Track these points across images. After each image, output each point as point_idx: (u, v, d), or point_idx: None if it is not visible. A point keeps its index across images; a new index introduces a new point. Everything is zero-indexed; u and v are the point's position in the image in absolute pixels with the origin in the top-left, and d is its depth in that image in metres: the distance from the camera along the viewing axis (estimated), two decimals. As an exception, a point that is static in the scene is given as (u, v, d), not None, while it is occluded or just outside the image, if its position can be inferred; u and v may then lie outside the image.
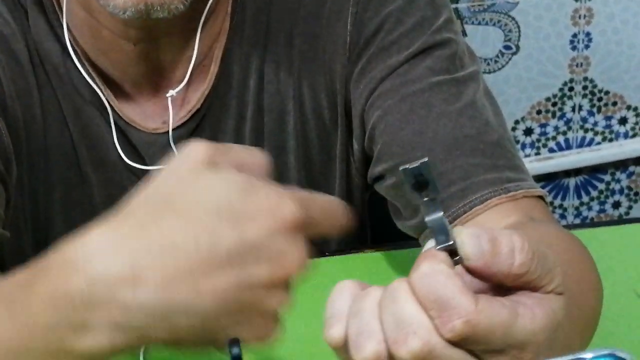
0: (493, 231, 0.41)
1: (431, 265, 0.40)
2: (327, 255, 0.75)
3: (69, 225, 0.77)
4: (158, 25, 0.69)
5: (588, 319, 0.58)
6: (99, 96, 0.73)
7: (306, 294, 0.71)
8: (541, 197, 0.69)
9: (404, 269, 0.73)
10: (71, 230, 0.75)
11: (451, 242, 0.41)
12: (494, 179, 0.68)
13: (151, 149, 0.75)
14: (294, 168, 0.78)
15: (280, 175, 0.77)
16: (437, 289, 0.39)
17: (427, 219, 0.41)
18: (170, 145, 0.74)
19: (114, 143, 0.74)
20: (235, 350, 0.63)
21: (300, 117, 0.76)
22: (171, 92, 0.73)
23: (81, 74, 0.73)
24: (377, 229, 0.89)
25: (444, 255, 0.41)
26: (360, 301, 0.43)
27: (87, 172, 0.75)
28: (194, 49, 0.72)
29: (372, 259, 0.74)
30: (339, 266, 0.74)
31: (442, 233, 0.41)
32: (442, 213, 0.41)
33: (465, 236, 0.41)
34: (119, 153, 0.74)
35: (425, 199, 0.41)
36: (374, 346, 0.41)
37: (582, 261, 0.62)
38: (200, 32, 0.72)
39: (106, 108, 0.74)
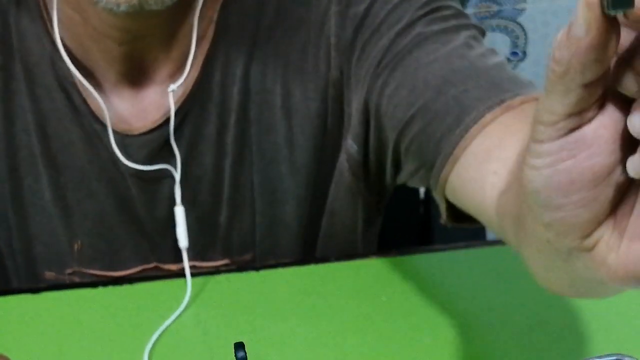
0: None
1: None
2: (332, 262, 0.75)
3: (22, 220, 0.77)
4: (145, 24, 0.69)
5: None
6: (78, 93, 0.73)
7: (311, 300, 0.71)
8: None
9: (409, 276, 0.73)
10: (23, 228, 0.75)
11: None
12: (489, 95, 0.62)
13: (127, 149, 0.74)
14: (287, 177, 0.77)
15: (274, 186, 0.78)
16: None
17: None
18: (147, 145, 0.74)
19: (90, 142, 0.74)
20: (240, 354, 0.64)
21: (290, 127, 0.76)
22: (172, 87, 0.73)
23: (65, 68, 0.72)
24: (383, 235, 0.90)
25: None
26: None
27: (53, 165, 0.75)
28: (177, 53, 0.72)
29: (378, 265, 0.74)
30: (344, 273, 0.74)
31: None
32: None
33: None
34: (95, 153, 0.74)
35: None
36: None
37: None
38: (186, 31, 0.72)
39: (85, 105, 0.73)
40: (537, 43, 1.69)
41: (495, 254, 0.75)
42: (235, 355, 0.64)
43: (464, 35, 0.69)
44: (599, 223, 0.38)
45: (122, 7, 0.64)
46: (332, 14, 0.73)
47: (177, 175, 0.74)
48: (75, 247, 0.77)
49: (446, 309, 0.69)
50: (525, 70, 1.70)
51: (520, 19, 1.66)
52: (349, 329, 0.68)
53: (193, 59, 0.73)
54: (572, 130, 0.36)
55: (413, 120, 0.66)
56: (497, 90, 0.62)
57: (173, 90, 0.72)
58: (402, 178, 0.74)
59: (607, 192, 0.37)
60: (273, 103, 0.75)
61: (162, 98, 0.74)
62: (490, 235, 1.07)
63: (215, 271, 0.74)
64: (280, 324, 0.68)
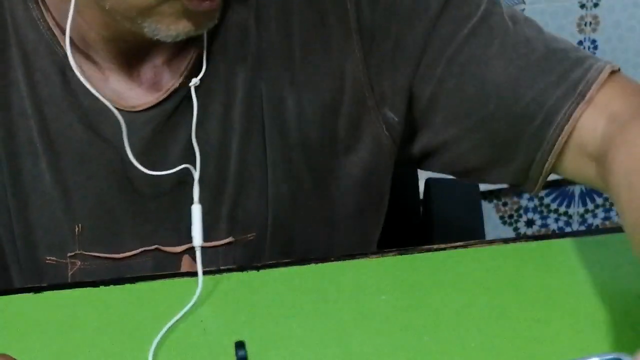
0: None
1: None
2: (332, 261, 0.75)
3: (22, 205, 0.77)
4: None
5: None
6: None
7: (311, 300, 0.71)
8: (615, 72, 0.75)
9: (409, 275, 0.73)
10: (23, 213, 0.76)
11: None
12: (566, 90, 0.73)
13: (129, 127, 0.74)
14: (297, 152, 0.78)
15: (283, 162, 0.78)
16: None
17: None
18: (149, 124, 0.75)
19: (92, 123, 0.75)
20: (241, 353, 0.64)
21: (299, 102, 0.77)
22: (194, 81, 0.73)
23: (62, 51, 0.73)
24: (383, 235, 0.90)
25: None
26: None
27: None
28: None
29: (378, 264, 0.75)
30: (344, 272, 0.74)
31: None
32: None
33: None
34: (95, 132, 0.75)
35: None
36: None
37: None
38: None
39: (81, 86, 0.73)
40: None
41: (494, 253, 0.75)
42: (236, 354, 0.64)
43: (498, 19, 0.76)
44: None
45: (179, 38, 0.68)
46: (347, 0, 0.75)
47: (196, 175, 0.74)
48: (76, 230, 0.77)
49: (446, 308, 0.69)
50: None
51: (519, 20, 1.66)
52: (349, 328, 0.68)
53: (198, 39, 0.74)
54: None
55: (492, 119, 0.75)
56: (568, 80, 0.73)
57: (195, 84, 0.73)
58: (435, 166, 0.82)
59: None
60: (282, 78, 0.76)
61: (162, 73, 0.74)
62: (488, 235, 1.07)
63: (217, 270, 0.75)
64: (280, 323, 0.68)
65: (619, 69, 0.76)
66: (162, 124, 0.75)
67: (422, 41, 0.75)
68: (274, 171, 0.78)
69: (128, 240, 0.78)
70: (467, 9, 0.76)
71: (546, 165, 0.75)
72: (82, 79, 0.72)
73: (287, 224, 0.80)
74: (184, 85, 0.75)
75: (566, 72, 0.74)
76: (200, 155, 0.76)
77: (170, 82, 0.75)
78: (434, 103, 0.77)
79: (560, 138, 0.73)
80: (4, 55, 0.74)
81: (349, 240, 0.84)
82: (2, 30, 0.74)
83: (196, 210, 0.74)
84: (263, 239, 0.80)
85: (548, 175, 0.77)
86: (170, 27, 0.67)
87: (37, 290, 0.73)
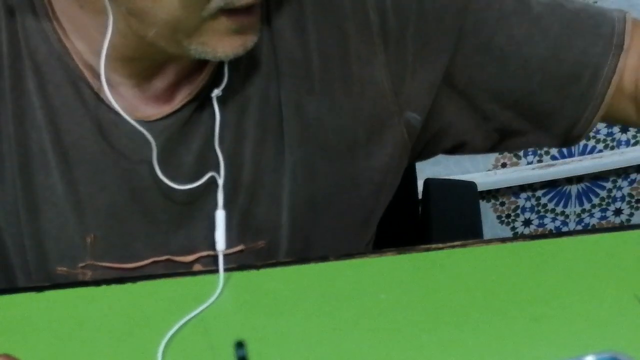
0: None
1: None
2: (331, 260, 0.75)
3: (33, 217, 0.77)
4: None
5: None
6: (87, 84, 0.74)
7: (310, 299, 0.72)
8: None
9: (408, 274, 0.73)
10: (35, 224, 0.76)
11: None
12: (603, 45, 0.79)
13: (143, 137, 0.74)
14: (317, 159, 0.78)
15: (302, 164, 0.78)
16: None
17: None
18: (163, 134, 0.75)
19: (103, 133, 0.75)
20: (241, 352, 0.64)
21: (318, 109, 0.77)
22: (216, 92, 0.74)
23: (74, 63, 0.73)
24: (381, 234, 0.90)
25: None
26: None
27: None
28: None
29: (376, 263, 0.75)
30: (343, 271, 0.74)
31: None
32: None
33: None
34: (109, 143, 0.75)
35: None
36: None
37: None
38: None
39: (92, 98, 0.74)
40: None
41: (492, 253, 0.75)
42: (236, 354, 0.64)
43: None
44: None
45: (229, 58, 0.69)
46: (369, 7, 0.76)
47: (220, 180, 0.74)
48: (88, 240, 0.78)
49: (444, 307, 0.69)
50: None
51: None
52: (348, 327, 0.68)
53: None
54: None
55: (539, 89, 0.79)
56: (602, 36, 0.79)
57: (217, 95, 0.74)
58: (475, 145, 0.85)
59: None
60: (301, 86, 0.76)
61: (176, 84, 0.75)
62: (486, 234, 1.08)
63: (216, 270, 0.75)
64: (280, 322, 0.69)
65: (632, 17, 0.82)
66: (177, 134, 0.75)
67: (454, 33, 0.78)
68: (293, 178, 0.78)
69: (139, 250, 0.78)
70: None
71: (594, 120, 0.81)
72: (109, 95, 0.71)
73: (304, 230, 0.80)
74: (198, 95, 0.75)
75: (596, 29, 0.79)
76: (212, 163, 0.76)
77: (185, 92, 0.75)
78: (473, 87, 0.80)
79: (609, 90, 0.79)
80: (16, 67, 0.74)
81: (360, 243, 0.85)
82: (14, 41, 0.74)
83: (220, 216, 0.74)
84: (275, 246, 0.80)
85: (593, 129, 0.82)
86: (217, 47, 0.67)
87: (39, 289, 0.73)
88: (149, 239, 0.78)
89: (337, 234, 0.82)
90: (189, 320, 0.69)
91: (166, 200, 0.77)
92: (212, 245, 0.77)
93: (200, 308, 0.70)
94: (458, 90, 0.81)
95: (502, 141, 0.85)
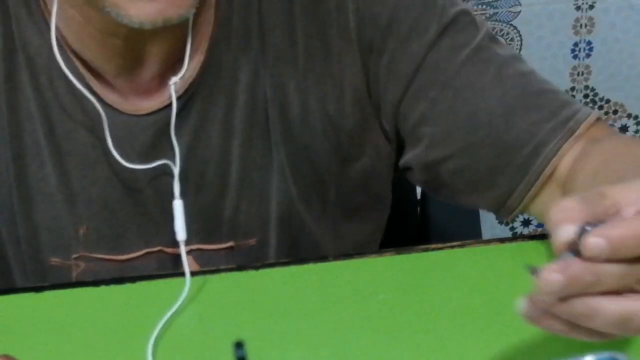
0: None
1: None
2: (330, 261, 0.75)
3: (27, 207, 0.77)
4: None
5: None
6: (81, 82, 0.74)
7: (310, 299, 0.72)
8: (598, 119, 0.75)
9: (407, 274, 0.74)
10: (28, 214, 0.76)
11: None
12: (556, 125, 0.74)
13: (132, 130, 0.75)
14: (301, 156, 0.78)
15: (288, 162, 0.78)
16: None
17: None
18: (151, 128, 0.75)
19: (93, 127, 0.75)
20: (240, 352, 0.64)
21: (304, 108, 0.77)
22: (174, 79, 0.73)
23: (67, 62, 0.73)
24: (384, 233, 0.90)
25: None
26: None
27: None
28: (177, 40, 0.73)
29: (375, 264, 0.75)
30: (342, 271, 0.74)
31: None
32: None
33: None
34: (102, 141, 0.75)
35: None
36: None
37: None
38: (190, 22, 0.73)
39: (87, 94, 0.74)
40: (532, 45, 1.69)
41: (491, 253, 0.75)
42: (235, 354, 0.64)
43: (493, 51, 0.76)
44: None
45: (146, 27, 0.66)
46: (349, 10, 0.75)
47: (176, 170, 0.74)
48: (81, 232, 0.78)
49: (443, 307, 0.69)
50: (519, 72, 1.70)
51: (515, 22, 1.66)
52: (347, 327, 0.68)
53: (199, 43, 0.74)
54: None
55: (480, 146, 0.75)
56: (558, 116, 0.74)
57: (175, 83, 0.73)
58: (417, 180, 0.82)
59: None
60: (287, 84, 0.76)
61: (166, 84, 0.74)
62: (485, 234, 1.08)
63: (216, 270, 0.75)
64: (279, 322, 0.69)
65: (603, 119, 0.78)
66: (163, 129, 0.75)
67: (416, 62, 0.76)
68: (280, 175, 0.78)
69: (132, 242, 0.79)
70: (465, 37, 0.76)
71: (527, 196, 0.75)
72: (70, 76, 0.72)
73: (291, 228, 0.80)
74: (188, 90, 0.75)
75: (557, 109, 0.75)
76: (201, 159, 0.76)
77: (176, 88, 0.75)
78: (422, 124, 0.77)
79: (546, 170, 0.73)
80: (10, 59, 0.75)
81: (352, 243, 0.85)
82: (8, 34, 0.74)
83: (177, 206, 0.74)
84: (266, 244, 0.80)
85: (526, 207, 0.76)
86: (130, 9, 0.65)
87: (38, 289, 0.73)
88: (140, 230, 0.78)
89: (324, 234, 0.82)
90: (182, 320, 0.69)
91: (156, 193, 0.77)
92: (203, 238, 0.78)
93: (174, 308, 0.70)
94: (408, 127, 0.79)
95: (437, 190, 0.82)
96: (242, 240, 0.80)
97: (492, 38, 0.78)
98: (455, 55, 0.75)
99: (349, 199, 0.82)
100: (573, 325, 0.49)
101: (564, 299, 0.47)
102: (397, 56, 0.76)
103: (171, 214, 0.77)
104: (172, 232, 0.77)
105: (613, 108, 1.80)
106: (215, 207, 0.78)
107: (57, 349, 0.67)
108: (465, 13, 0.77)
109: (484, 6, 1.63)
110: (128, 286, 0.73)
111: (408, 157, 0.80)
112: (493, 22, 1.65)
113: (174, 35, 0.73)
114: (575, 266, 0.46)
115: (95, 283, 0.74)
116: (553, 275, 0.46)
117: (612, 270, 0.46)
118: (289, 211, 0.80)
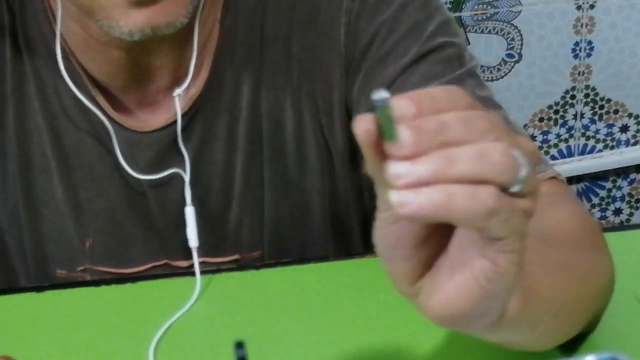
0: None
1: None
2: (330, 261, 0.75)
3: (33, 219, 0.77)
4: (153, 38, 0.70)
5: (568, 299, 0.55)
6: (87, 97, 0.74)
7: (310, 299, 0.72)
8: (555, 178, 0.70)
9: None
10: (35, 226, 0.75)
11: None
12: None
13: (137, 147, 0.75)
14: (293, 172, 0.78)
15: (279, 180, 0.78)
16: None
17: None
18: (157, 144, 0.75)
19: (103, 143, 0.75)
20: (240, 352, 0.64)
21: (298, 123, 0.77)
22: (178, 91, 0.73)
23: (72, 73, 0.73)
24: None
25: None
26: None
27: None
28: (182, 54, 0.73)
29: (376, 263, 0.74)
30: (342, 271, 0.74)
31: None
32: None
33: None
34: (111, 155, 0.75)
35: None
36: None
37: (581, 245, 0.60)
38: (194, 36, 0.72)
39: (91, 108, 0.74)
40: (533, 45, 1.69)
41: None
42: (236, 354, 0.64)
43: (469, 87, 0.72)
44: (419, 275, 0.45)
45: (136, 36, 0.65)
46: (341, 23, 0.74)
47: (187, 177, 0.74)
48: (87, 244, 0.78)
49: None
50: (520, 72, 1.70)
51: (516, 21, 1.66)
52: (347, 327, 0.68)
53: (203, 59, 0.74)
54: None
55: None
56: None
57: (179, 95, 0.73)
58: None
59: (425, 251, 0.45)
60: (283, 99, 0.76)
61: (172, 98, 0.74)
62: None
63: (216, 270, 0.75)
64: (280, 322, 0.69)
65: (560, 179, 0.72)
66: (168, 145, 0.75)
67: (388, 83, 0.73)
68: (272, 192, 0.78)
69: (137, 255, 0.79)
70: (443, 68, 0.73)
71: None
72: (76, 91, 0.72)
73: (287, 244, 0.80)
74: (192, 107, 0.75)
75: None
76: (206, 174, 0.76)
77: (180, 105, 0.75)
78: None
79: None
80: (19, 70, 0.74)
81: (348, 247, 0.84)
82: (15, 44, 0.74)
83: (190, 213, 0.74)
84: (270, 257, 0.80)
85: None
86: (120, 20, 0.64)
87: (39, 289, 0.73)
88: (146, 243, 0.79)
89: (318, 246, 0.82)
90: (184, 319, 0.69)
91: (162, 207, 0.77)
92: (208, 250, 0.78)
93: (184, 309, 0.70)
94: None
95: None
96: (246, 253, 0.80)
97: (473, 76, 0.74)
98: (426, 84, 0.71)
99: (339, 219, 0.82)
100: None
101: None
102: (370, 76, 0.74)
103: (177, 228, 0.76)
104: (178, 246, 0.77)
105: (614, 108, 1.80)
106: (219, 221, 0.78)
107: (56, 349, 0.67)
108: (454, 45, 0.74)
109: (485, 6, 1.63)
110: (129, 287, 0.73)
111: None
112: (494, 22, 1.65)
113: (178, 49, 0.73)
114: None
115: (96, 283, 0.74)
116: (404, 101, 0.41)
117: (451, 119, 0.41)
118: (282, 229, 0.79)
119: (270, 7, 0.75)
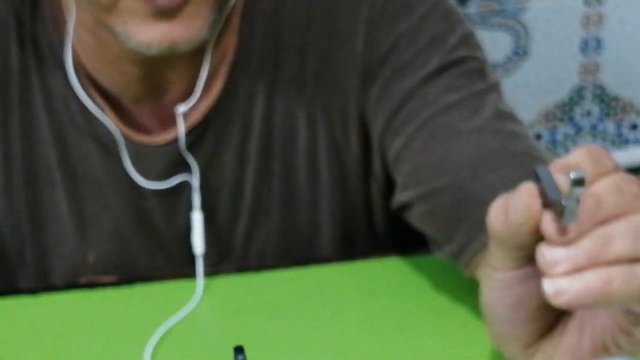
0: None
1: None
2: (332, 263, 0.75)
3: (37, 231, 0.77)
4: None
5: None
6: (97, 111, 0.73)
7: (311, 302, 0.71)
8: None
9: (410, 277, 0.73)
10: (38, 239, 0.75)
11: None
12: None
13: (146, 159, 0.74)
14: (304, 187, 0.77)
15: (289, 194, 0.77)
16: None
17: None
18: (165, 157, 0.74)
19: (111, 156, 0.74)
20: (240, 357, 0.63)
21: (311, 136, 0.76)
22: (182, 109, 0.72)
23: (80, 85, 0.73)
24: (402, 236, 0.89)
25: None
26: None
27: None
28: (199, 67, 0.72)
29: (378, 266, 0.74)
30: (344, 274, 0.74)
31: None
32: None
33: None
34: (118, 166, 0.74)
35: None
36: None
37: None
38: (208, 50, 0.72)
39: (103, 122, 0.73)
40: (539, 41, 1.68)
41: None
42: (235, 359, 0.63)
43: (491, 102, 0.71)
44: (539, 337, 0.45)
45: (153, 51, 0.64)
46: (359, 32, 0.73)
47: (196, 182, 0.73)
48: (90, 258, 0.77)
49: (446, 310, 0.69)
50: (526, 68, 1.70)
51: (522, 18, 1.66)
52: (349, 330, 0.68)
53: (219, 69, 0.73)
54: (522, 265, 0.44)
55: (442, 192, 0.68)
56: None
57: (184, 112, 0.72)
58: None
59: (550, 312, 0.44)
60: (297, 112, 0.75)
61: (179, 102, 0.73)
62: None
63: (215, 273, 0.74)
64: (280, 325, 0.68)
65: None
66: (177, 159, 0.74)
67: (406, 94, 0.71)
68: (282, 206, 0.77)
69: (141, 270, 0.78)
70: (464, 81, 0.71)
71: (475, 257, 0.65)
72: (89, 102, 0.71)
73: (291, 258, 0.79)
74: (207, 117, 0.74)
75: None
76: (215, 185, 0.75)
77: (191, 118, 0.74)
78: (398, 161, 0.72)
79: None
80: (25, 80, 0.74)
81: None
82: (22, 54, 0.73)
83: (197, 219, 0.73)
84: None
85: (473, 270, 0.66)
86: (137, 31, 0.64)
87: (37, 291, 0.73)
88: (151, 259, 0.78)
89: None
90: (183, 323, 0.69)
91: (168, 222, 0.77)
92: (212, 264, 0.77)
93: (184, 312, 0.69)
94: (390, 160, 0.74)
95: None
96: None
97: (495, 91, 0.72)
98: (446, 96, 0.70)
99: (348, 232, 0.81)
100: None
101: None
102: (387, 87, 0.72)
103: (183, 241, 0.76)
104: (183, 261, 0.76)
105: (622, 105, 1.79)
106: (227, 234, 0.78)
107: (55, 352, 0.67)
108: (475, 60, 0.73)
109: (491, 2, 1.62)
110: (128, 290, 0.73)
111: (395, 198, 0.74)
112: (500, 18, 1.64)
113: (194, 62, 0.72)
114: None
115: (95, 285, 0.73)
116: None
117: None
118: (290, 241, 0.79)
119: (286, 16, 0.73)
